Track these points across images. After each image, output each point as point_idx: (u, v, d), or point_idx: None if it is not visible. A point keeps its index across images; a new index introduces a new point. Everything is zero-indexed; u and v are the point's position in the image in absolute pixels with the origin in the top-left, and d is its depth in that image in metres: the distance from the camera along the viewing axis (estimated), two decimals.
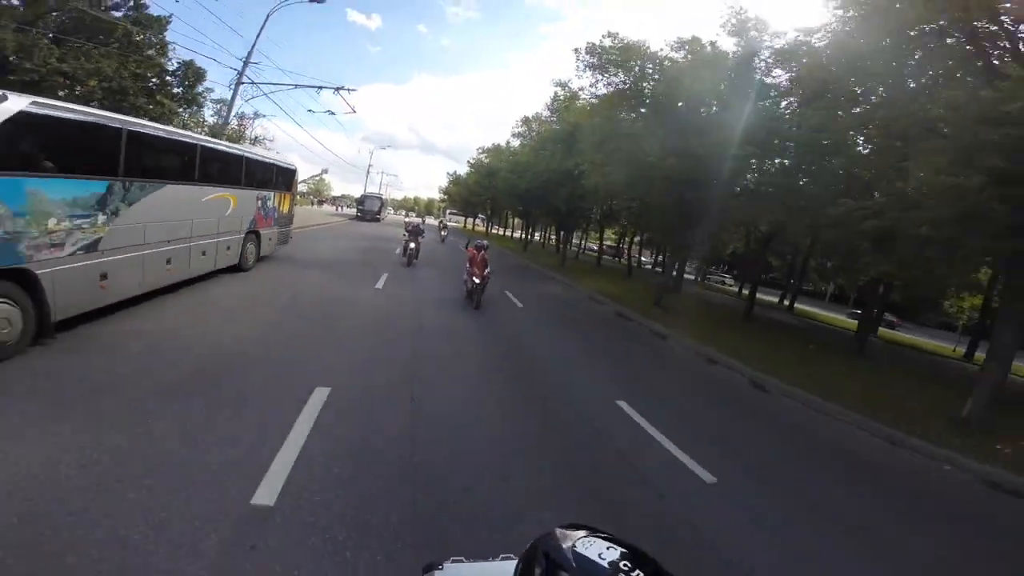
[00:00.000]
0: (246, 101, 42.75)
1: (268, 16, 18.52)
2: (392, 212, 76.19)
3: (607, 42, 13.57)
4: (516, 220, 57.72)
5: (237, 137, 33.03)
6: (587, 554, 0.72)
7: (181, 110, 24.34)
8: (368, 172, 60.20)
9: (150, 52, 21.84)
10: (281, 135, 72.21)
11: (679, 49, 13.78)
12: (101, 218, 5.44)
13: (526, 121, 37.55)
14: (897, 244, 8.12)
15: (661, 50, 13.49)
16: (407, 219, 34.41)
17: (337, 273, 12.29)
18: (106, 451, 3.24)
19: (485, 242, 11.34)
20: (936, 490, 5.40)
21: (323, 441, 3.84)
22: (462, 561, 1.09)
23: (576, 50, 14.26)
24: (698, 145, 10.47)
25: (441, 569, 1.07)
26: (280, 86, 28.63)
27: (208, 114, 30.06)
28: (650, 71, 13.03)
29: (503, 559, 1.03)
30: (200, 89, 25.22)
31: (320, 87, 20.10)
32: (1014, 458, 6.15)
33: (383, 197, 53.42)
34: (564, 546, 0.74)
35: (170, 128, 8.38)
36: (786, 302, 28.08)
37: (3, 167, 4.16)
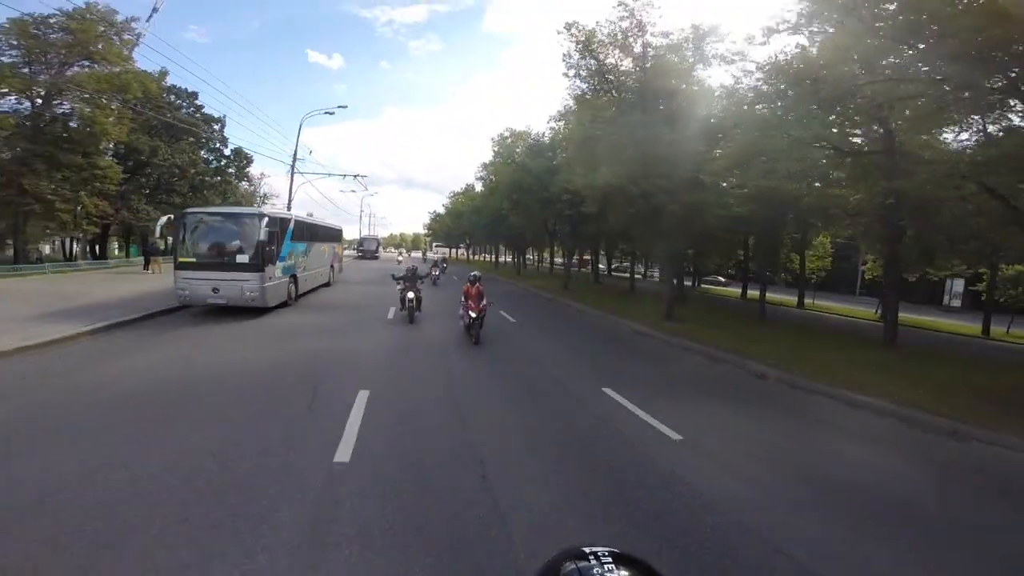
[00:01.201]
0: (298, 187, 52.08)
1: (301, 124, 28.44)
2: (383, 250, 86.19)
3: (506, 133, 23.74)
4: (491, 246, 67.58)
5: (251, 194, 42.89)
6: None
7: (242, 185, 34.44)
8: (360, 217, 70.49)
9: (217, 145, 31.92)
10: (277, 183, 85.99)
11: (560, 119, 23.80)
12: (304, 258, 14.91)
13: (484, 166, 47.85)
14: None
15: (548, 121, 23.67)
16: (401, 258, 30.59)
17: (374, 284, 21.76)
18: (334, 318, 12.66)
19: (478, 273, 11.39)
20: (618, 336, 14.63)
21: (397, 313, 13.29)
22: None
23: (492, 139, 24.50)
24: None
25: None
26: (319, 175, 39.32)
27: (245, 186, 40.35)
28: (527, 148, 23.31)
29: None
30: (249, 169, 35.51)
31: (344, 175, 30.55)
32: (661, 326, 15.31)
33: (378, 239, 63.41)
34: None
35: (316, 218, 18.10)
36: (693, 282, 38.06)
37: (295, 239, 13.64)
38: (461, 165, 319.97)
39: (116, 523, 3.20)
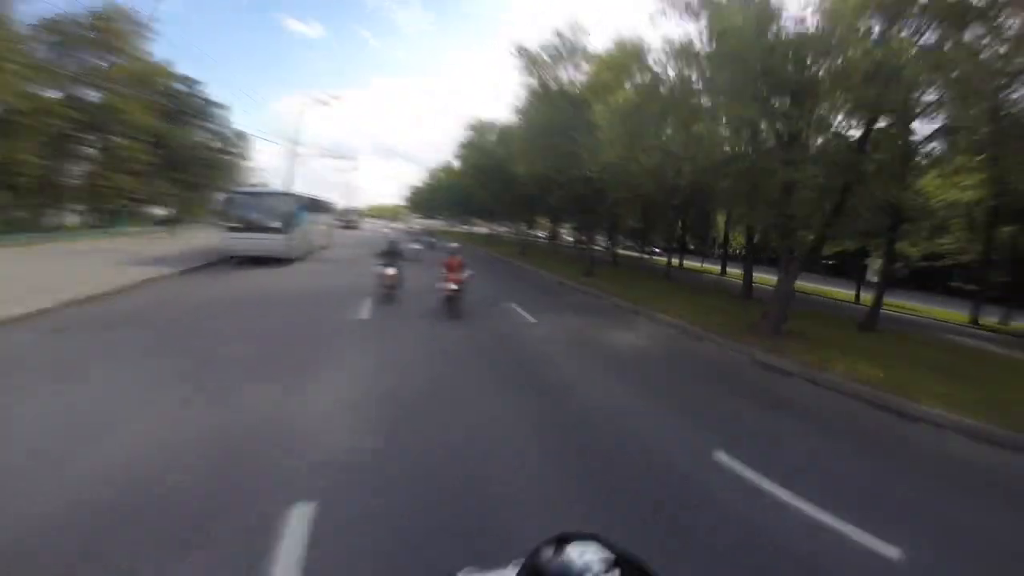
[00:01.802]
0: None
1: (301, 113, 32.29)
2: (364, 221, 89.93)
3: (474, 122, 28.34)
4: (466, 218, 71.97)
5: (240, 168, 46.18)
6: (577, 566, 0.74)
7: (242, 162, 38.05)
8: (342, 189, 74.08)
9: (220, 128, 35.47)
10: (260, 157, 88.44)
11: (516, 113, 28.42)
12: (313, 225, 19.58)
13: (463, 145, 51.95)
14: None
15: (516, 113, 28.45)
16: (387, 229, 27.76)
17: (363, 247, 26.46)
18: (337, 268, 17.55)
19: (457, 245, 11.87)
20: (543, 284, 19.84)
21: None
22: (475, 571, 1.11)
23: (464, 127, 29.09)
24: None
25: None
26: (314, 155, 42.70)
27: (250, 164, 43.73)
28: (496, 134, 27.96)
29: (514, 565, 0.98)
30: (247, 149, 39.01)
31: (335, 156, 34.58)
32: (578, 279, 20.62)
33: (358, 210, 67.25)
34: (557, 560, 0.77)
35: (319, 196, 22.61)
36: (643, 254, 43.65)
37: (308, 211, 18.31)
38: (445, 138, 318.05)
39: (254, 343, 8.25)
